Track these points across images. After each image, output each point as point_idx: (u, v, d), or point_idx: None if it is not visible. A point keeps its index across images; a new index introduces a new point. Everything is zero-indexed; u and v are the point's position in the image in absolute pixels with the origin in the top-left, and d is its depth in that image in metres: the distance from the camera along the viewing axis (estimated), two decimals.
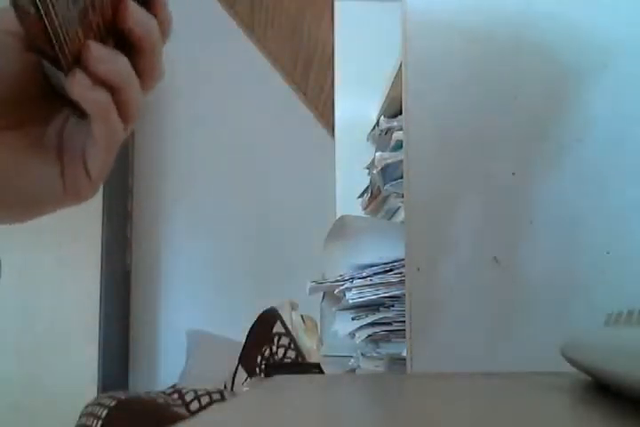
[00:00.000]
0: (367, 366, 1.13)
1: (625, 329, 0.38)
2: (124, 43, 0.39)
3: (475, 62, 0.92)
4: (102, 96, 0.38)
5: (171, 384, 2.43)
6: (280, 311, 2.15)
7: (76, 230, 2.58)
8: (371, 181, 1.45)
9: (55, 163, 0.42)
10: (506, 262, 0.87)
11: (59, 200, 0.42)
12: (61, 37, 0.35)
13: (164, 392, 2.05)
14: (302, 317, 2.14)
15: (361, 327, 1.06)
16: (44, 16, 0.34)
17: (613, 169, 0.89)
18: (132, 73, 0.39)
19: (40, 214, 0.43)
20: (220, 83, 3.07)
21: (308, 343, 2.05)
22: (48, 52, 0.36)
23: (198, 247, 3.02)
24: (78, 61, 0.37)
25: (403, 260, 0.94)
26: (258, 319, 2.19)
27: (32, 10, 0.33)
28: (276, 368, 1.81)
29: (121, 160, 2.90)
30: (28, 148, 0.41)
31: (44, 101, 0.41)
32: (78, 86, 0.37)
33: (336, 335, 1.14)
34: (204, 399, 1.95)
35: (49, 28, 0.34)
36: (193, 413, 1.88)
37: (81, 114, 0.41)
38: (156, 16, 0.40)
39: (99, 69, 0.37)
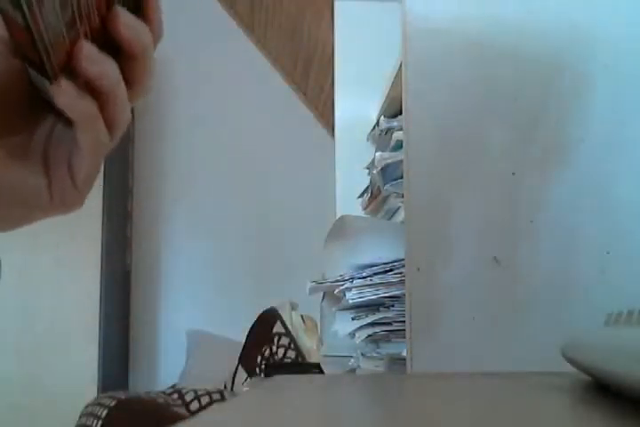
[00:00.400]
0: (367, 366, 1.13)
1: (625, 329, 0.38)
2: (113, 54, 0.38)
3: (475, 62, 0.92)
4: (88, 105, 0.37)
5: (171, 384, 2.43)
6: (280, 311, 2.15)
7: (75, 230, 2.58)
8: (371, 181, 1.45)
9: (40, 172, 0.40)
10: (506, 262, 0.87)
11: (44, 209, 0.41)
12: (48, 46, 0.34)
13: (163, 392, 2.05)
14: (302, 317, 2.15)
15: (361, 327, 1.06)
16: (31, 25, 0.33)
17: (613, 169, 0.89)
18: (121, 79, 0.38)
19: (26, 224, 0.42)
20: (220, 83, 3.07)
21: (307, 343, 2.05)
22: (34, 60, 0.36)
23: (198, 247, 3.02)
24: (64, 70, 0.36)
25: (403, 260, 0.94)
26: (258, 319, 2.19)
27: (19, 19, 0.33)
28: (276, 368, 1.81)
29: (121, 160, 2.91)
30: (8, 158, 0.39)
31: (29, 108, 0.40)
32: (64, 95, 0.36)
33: (336, 335, 1.14)
34: (204, 399, 1.95)
35: (36, 36, 0.33)
36: (193, 413, 1.88)
37: (67, 120, 0.40)
38: (148, 22, 0.39)
39: (89, 71, 0.36)
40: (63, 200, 0.41)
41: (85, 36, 0.36)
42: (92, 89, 0.37)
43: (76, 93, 0.36)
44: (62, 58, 0.36)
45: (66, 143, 0.41)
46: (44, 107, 0.40)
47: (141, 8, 0.39)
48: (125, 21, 0.37)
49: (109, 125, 0.39)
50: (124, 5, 0.37)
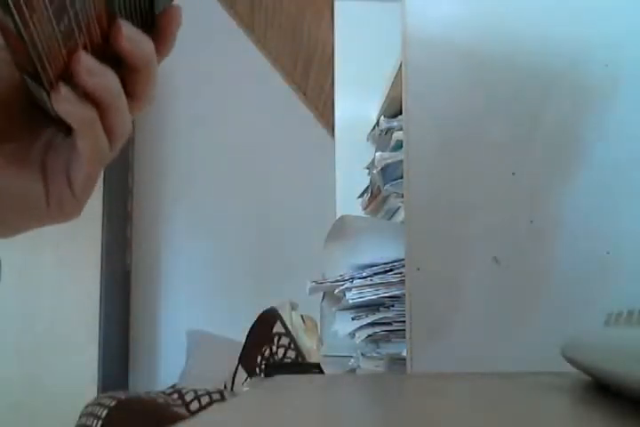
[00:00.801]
0: (367, 366, 1.13)
1: (625, 329, 0.38)
2: (116, 66, 0.38)
3: (475, 63, 0.92)
4: (87, 111, 0.37)
5: (171, 384, 2.43)
6: (280, 311, 2.15)
7: (75, 230, 2.58)
8: (371, 181, 1.45)
9: (39, 180, 0.40)
10: (506, 262, 0.87)
11: (42, 218, 0.41)
12: (43, 55, 0.34)
13: (163, 392, 2.05)
14: (302, 317, 2.15)
15: (361, 327, 1.06)
16: (22, 31, 0.33)
17: (614, 168, 0.89)
18: (121, 91, 0.38)
19: (23, 231, 0.42)
20: (220, 83, 3.07)
21: (307, 343, 2.05)
22: (30, 69, 0.35)
23: (198, 247, 3.02)
24: (63, 81, 0.36)
25: (403, 260, 0.94)
26: (258, 319, 2.19)
27: (10, 25, 0.33)
28: (276, 368, 1.81)
29: (121, 160, 2.90)
30: (6, 164, 0.40)
31: (29, 116, 0.40)
32: (63, 101, 0.36)
33: (336, 335, 1.14)
34: (204, 399, 1.95)
35: (28, 44, 0.33)
36: (193, 413, 1.88)
37: (67, 131, 0.39)
38: (160, 37, 0.39)
39: (88, 83, 0.36)
40: (61, 209, 0.41)
41: (85, 47, 0.36)
42: (91, 100, 0.37)
43: (75, 99, 0.36)
44: (59, 68, 0.36)
45: (65, 153, 0.41)
46: (43, 118, 0.40)
47: (151, 22, 0.39)
48: (127, 34, 0.37)
49: (109, 136, 0.39)
50: (128, 18, 0.37)
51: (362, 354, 1.15)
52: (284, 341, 2.06)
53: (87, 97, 0.37)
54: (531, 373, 0.58)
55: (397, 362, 1.05)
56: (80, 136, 0.38)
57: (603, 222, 0.88)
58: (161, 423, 1.64)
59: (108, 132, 0.39)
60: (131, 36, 0.37)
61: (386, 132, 1.37)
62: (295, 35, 2.78)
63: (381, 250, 1.09)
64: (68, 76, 0.36)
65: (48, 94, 0.36)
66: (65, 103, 0.36)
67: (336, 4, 1.74)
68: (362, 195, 1.55)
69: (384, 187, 1.27)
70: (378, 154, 1.25)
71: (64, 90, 0.36)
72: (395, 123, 1.34)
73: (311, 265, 1.59)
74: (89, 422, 1.73)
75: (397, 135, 1.20)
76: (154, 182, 3.06)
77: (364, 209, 1.53)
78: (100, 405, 1.76)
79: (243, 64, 3.10)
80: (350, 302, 1.07)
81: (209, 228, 3.01)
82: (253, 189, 3.03)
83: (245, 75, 3.10)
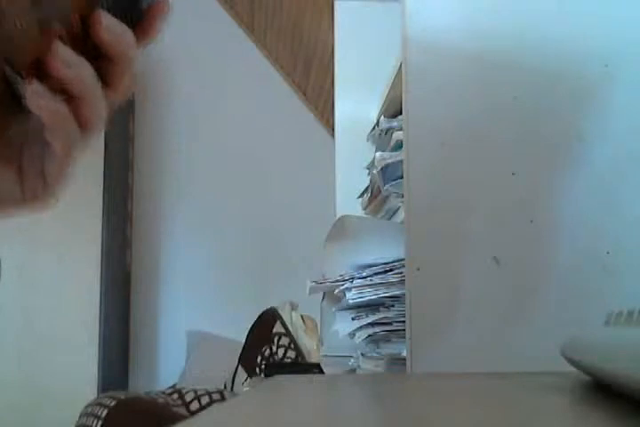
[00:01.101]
0: (367, 366, 1.13)
1: (625, 329, 0.38)
2: (95, 57, 0.38)
3: (475, 62, 0.92)
4: (58, 106, 0.37)
5: (171, 384, 2.43)
6: (280, 311, 2.15)
7: (76, 230, 2.58)
8: (371, 181, 1.45)
9: (13, 169, 0.41)
10: (506, 262, 0.87)
11: (18, 206, 0.41)
12: (18, 42, 0.34)
13: (163, 392, 2.05)
14: (302, 317, 2.15)
15: (361, 327, 1.06)
16: None
17: (614, 168, 0.89)
18: (97, 83, 0.38)
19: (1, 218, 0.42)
20: (220, 83, 3.07)
21: (308, 343, 2.05)
22: (6, 56, 0.36)
23: (198, 247, 3.02)
24: (38, 70, 0.36)
25: (403, 260, 0.94)
26: (258, 319, 2.19)
27: None
28: (275, 368, 1.81)
29: (121, 160, 2.90)
30: None
31: (6, 105, 0.40)
32: (34, 95, 0.36)
33: (336, 335, 1.14)
34: (204, 399, 1.95)
35: (3, 30, 0.33)
36: (193, 413, 1.88)
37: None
38: (144, 29, 0.39)
39: (63, 74, 0.36)
40: (36, 200, 0.41)
41: (62, 38, 0.36)
42: (66, 90, 0.37)
43: (45, 94, 0.37)
44: (34, 56, 0.36)
45: (38, 147, 0.41)
46: (19, 104, 0.40)
47: (137, 15, 0.39)
48: (107, 24, 0.37)
49: (83, 126, 0.39)
50: (110, 10, 0.37)
51: (362, 354, 1.15)
52: (284, 341, 2.06)
53: (62, 88, 0.37)
54: (531, 373, 0.58)
55: (397, 362, 1.05)
56: (50, 130, 0.38)
57: (603, 222, 0.88)
58: (161, 423, 1.64)
59: (82, 122, 0.39)
60: (110, 27, 0.37)
61: (386, 133, 1.36)
62: (295, 35, 2.78)
63: (381, 250, 1.09)
64: (43, 66, 0.36)
65: (23, 81, 0.37)
66: (36, 97, 0.37)
67: (336, 4, 1.74)
68: (362, 195, 1.55)
69: (384, 187, 1.27)
70: (378, 154, 1.25)
71: (35, 84, 0.36)
72: (395, 123, 1.34)
73: (311, 265, 1.59)
74: (89, 423, 1.73)
75: (397, 135, 1.20)
76: (154, 182, 3.06)
77: (364, 209, 1.53)
78: (100, 405, 1.76)
79: (243, 64, 3.10)
80: (350, 302, 1.07)
81: (209, 228, 3.02)
82: (253, 189, 3.03)
83: (245, 75, 3.10)
